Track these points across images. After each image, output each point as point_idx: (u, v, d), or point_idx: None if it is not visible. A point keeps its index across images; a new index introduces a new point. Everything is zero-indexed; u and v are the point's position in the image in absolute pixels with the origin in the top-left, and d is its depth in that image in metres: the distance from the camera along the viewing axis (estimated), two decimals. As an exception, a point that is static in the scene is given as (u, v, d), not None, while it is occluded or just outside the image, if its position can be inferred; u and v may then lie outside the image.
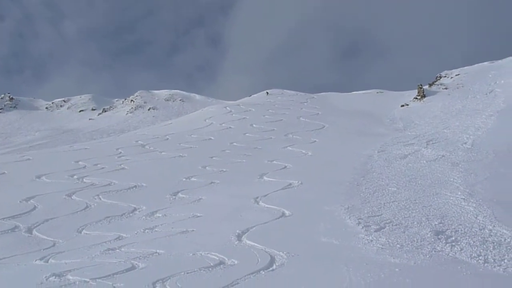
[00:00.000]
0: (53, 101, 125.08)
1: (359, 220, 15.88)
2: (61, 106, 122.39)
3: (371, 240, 13.82)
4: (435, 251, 12.80)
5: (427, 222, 15.41)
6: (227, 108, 57.08)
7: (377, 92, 68.13)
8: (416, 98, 56.03)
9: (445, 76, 64.55)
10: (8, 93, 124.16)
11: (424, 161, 25.39)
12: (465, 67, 65.93)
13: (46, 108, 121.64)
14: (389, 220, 15.77)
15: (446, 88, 58.77)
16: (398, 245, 13.28)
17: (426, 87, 59.89)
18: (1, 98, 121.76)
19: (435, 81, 63.49)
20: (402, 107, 53.45)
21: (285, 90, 69.88)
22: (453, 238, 13.82)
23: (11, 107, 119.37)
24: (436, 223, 15.28)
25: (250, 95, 71.52)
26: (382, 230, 14.80)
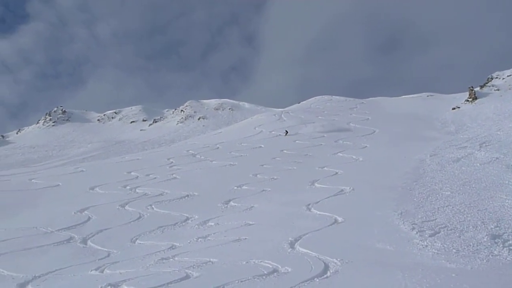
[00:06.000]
0: (104, 113, 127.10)
1: (413, 225, 15.70)
2: (112, 118, 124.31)
3: (426, 246, 13.65)
4: (492, 256, 12.59)
5: (483, 226, 15.16)
6: (276, 115, 57.12)
7: (427, 96, 67.42)
8: (468, 101, 55.37)
9: (497, 77, 63.60)
10: (61, 106, 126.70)
11: (478, 164, 25.00)
12: (518, 67, 64.85)
13: (98, 120, 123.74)
14: (444, 225, 15.56)
15: (498, 90, 58.01)
16: (454, 250, 13.09)
17: (477, 89, 59.09)
18: (54, 112, 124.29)
19: (487, 83, 62.61)
20: (454, 110, 52.86)
21: (334, 96, 69.73)
22: (511, 242, 13.57)
23: (64, 120, 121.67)
24: (492, 227, 15.02)
25: (299, 102, 71.59)
26: (437, 235, 14.61)
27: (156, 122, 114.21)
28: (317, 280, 11.68)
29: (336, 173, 27.17)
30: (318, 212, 19.23)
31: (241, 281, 11.96)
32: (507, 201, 17.88)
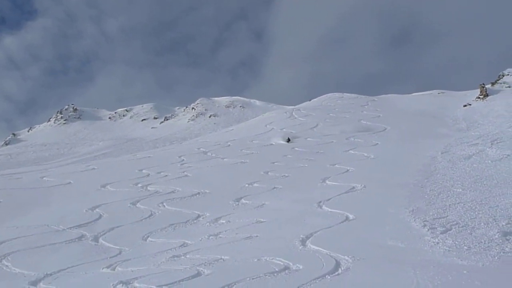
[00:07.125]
0: (115, 111, 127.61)
1: (425, 223, 15.70)
2: (123, 115, 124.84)
3: (438, 242, 13.65)
4: (503, 253, 12.56)
5: (494, 223, 15.13)
6: (287, 113, 57.08)
7: (439, 93, 67.13)
8: (479, 98, 55.07)
9: (508, 74, 63.23)
10: (72, 104, 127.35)
11: (489, 161, 24.94)
12: (529, 64, 64.51)
13: (109, 118, 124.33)
14: (455, 222, 15.54)
15: (509, 87, 57.74)
16: (465, 247, 13.08)
17: (488, 86, 58.83)
18: (65, 109, 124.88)
19: (498, 80, 62.27)
20: (465, 107, 52.61)
21: (345, 94, 69.59)
22: (522, 239, 13.55)
23: (75, 117, 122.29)
24: (504, 223, 14.99)
25: (310, 99, 71.57)
26: (449, 232, 14.59)
27: (167, 119, 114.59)
28: (329, 277, 11.71)
29: (348, 170, 27.12)
30: (330, 210, 19.24)
31: (253, 279, 12.00)
32: (519, 198, 17.84)
